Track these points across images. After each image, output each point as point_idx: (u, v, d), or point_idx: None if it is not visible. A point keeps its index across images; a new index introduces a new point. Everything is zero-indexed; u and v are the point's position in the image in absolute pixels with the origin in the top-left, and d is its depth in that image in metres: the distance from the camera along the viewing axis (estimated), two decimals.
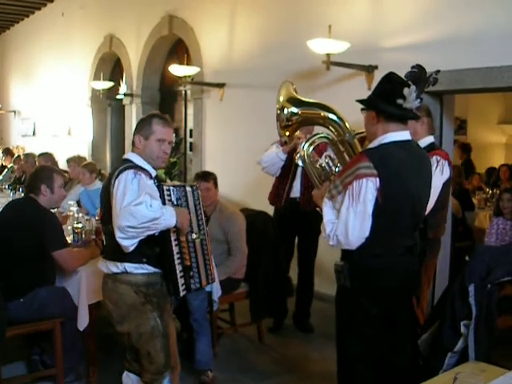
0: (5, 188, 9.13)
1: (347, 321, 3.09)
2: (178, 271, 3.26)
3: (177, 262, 3.26)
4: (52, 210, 4.58)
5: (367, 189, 2.81)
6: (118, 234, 3.03)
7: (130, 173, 3.10)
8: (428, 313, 4.07)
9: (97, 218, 5.65)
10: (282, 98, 3.56)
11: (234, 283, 5.01)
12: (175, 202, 3.31)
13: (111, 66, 11.65)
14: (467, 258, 3.52)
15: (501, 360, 2.93)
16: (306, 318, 5.74)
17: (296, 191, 5.42)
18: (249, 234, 5.01)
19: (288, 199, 5.45)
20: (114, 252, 3.21)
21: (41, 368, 4.43)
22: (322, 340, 5.34)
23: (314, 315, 5.81)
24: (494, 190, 8.51)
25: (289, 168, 5.40)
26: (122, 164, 3.25)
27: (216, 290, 4.58)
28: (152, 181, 3.21)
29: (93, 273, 4.24)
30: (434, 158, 3.89)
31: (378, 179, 2.81)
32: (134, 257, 3.17)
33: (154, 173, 3.31)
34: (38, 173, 4.51)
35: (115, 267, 3.23)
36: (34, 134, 14.97)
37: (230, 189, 7.16)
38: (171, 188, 3.33)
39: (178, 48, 9.59)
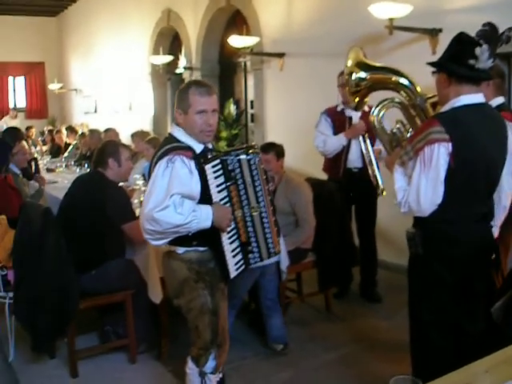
0: (71, 164, 9.33)
1: (421, 289, 3.03)
2: (228, 252, 3.09)
3: (230, 240, 3.09)
4: (119, 184, 4.65)
5: (439, 154, 2.74)
6: (144, 235, 2.95)
7: (163, 162, 2.91)
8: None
9: None
10: (350, 63, 3.46)
11: (302, 253, 5.00)
12: (226, 176, 3.04)
13: (170, 40, 11.68)
14: None
15: None
16: (372, 287, 5.70)
17: (352, 161, 5.41)
18: (315, 203, 4.98)
19: (346, 169, 5.44)
20: None
21: (113, 338, 4.52)
22: (389, 309, 5.29)
23: (380, 284, 5.77)
24: None
25: None
26: (166, 141, 3.10)
27: (284, 260, 4.57)
28: (190, 164, 2.95)
29: (160, 246, 4.30)
30: None
31: (450, 144, 2.73)
32: (183, 241, 3.04)
33: (199, 148, 3.07)
34: (104, 147, 4.56)
35: (167, 246, 3.16)
36: (95, 111, 15.22)
37: (293, 159, 7.12)
38: (221, 161, 3.03)
39: (236, 19, 9.53)
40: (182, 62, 10.98)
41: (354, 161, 5.39)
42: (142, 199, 5.18)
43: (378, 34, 5.99)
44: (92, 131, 9.60)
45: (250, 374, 4.14)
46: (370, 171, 4.24)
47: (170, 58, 10.64)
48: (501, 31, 2.91)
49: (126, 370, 4.25)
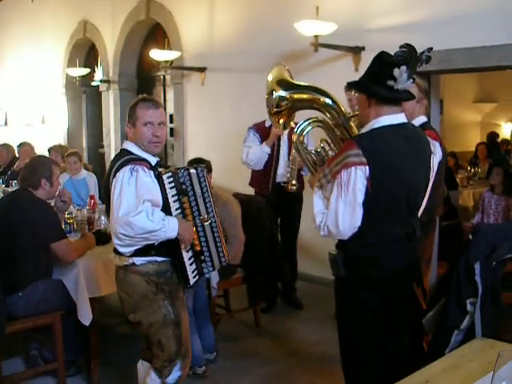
0: None
1: (347, 310, 3.04)
2: (186, 260, 3.21)
3: (186, 249, 3.22)
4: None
5: (356, 178, 2.71)
6: (114, 240, 3.04)
7: (126, 171, 3.02)
8: (431, 292, 4.11)
9: (88, 207, 5.60)
10: (270, 81, 3.37)
11: (231, 269, 5.00)
12: (178, 188, 3.20)
13: (85, 52, 11.46)
14: (471, 237, 3.55)
15: (504, 335, 2.98)
16: (292, 293, 5.90)
17: (280, 175, 5.51)
18: (244, 219, 4.98)
19: (274, 184, 5.51)
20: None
21: (40, 363, 4.36)
22: (317, 322, 5.38)
23: (305, 297, 5.87)
24: (476, 169, 8.63)
25: (272, 156, 5.50)
26: (120, 155, 3.18)
27: (214, 276, 4.57)
28: (151, 174, 3.10)
29: (90, 266, 4.22)
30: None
31: (367, 167, 2.70)
32: (141, 251, 3.11)
33: (153, 161, 3.21)
34: (37, 166, 4.32)
35: (124, 260, 3.17)
36: (5, 123, 14.71)
37: (215, 174, 7.12)
38: (173, 174, 3.21)
39: (156, 32, 9.47)
40: (99, 74, 10.78)
41: (281, 175, 5.49)
42: (67, 216, 5.05)
43: (303, 51, 6.10)
44: (3, 145, 9.24)
45: None
46: (288, 175, 4.33)
47: (86, 70, 10.45)
48: (422, 50, 2.95)
49: None
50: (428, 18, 5.22)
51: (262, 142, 5.49)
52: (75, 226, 5.08)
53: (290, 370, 4.45)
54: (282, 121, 3.45)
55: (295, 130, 3.34)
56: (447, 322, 3.32)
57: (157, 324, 3.20)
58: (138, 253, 3.11)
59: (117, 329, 5.37)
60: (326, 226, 2.83)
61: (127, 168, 3.03)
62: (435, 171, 3.92)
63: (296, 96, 3.36)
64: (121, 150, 3.29)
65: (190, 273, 3.24)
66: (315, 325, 5.33)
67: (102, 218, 5.20)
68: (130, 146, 3.22)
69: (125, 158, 3.11)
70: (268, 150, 5.43)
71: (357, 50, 5.77)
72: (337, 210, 2.77)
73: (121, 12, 9.62)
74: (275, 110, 3.37)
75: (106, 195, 3.25)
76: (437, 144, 3.95)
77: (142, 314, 3.19)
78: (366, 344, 3.02)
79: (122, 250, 3.07)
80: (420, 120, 4.02)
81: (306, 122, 3.33)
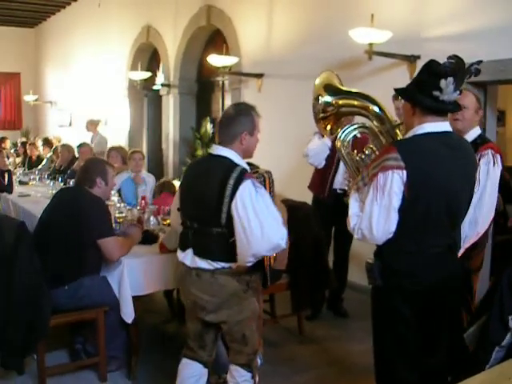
0: (44, 178, 9.23)
1: (382, 320, 3.01)
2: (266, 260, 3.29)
3: None
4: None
5: (393, 182, 2.70)
6: (248, 259, 3.06)
7: (249, 187, 3.02)
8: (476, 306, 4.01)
9: (138, 207, 5.70)
10: (317, 86, 3.38)
11: (276, 274, 4.98)
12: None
13: (148, 56, 11.69)
14: None
15: None
16: (339, 302, 5.86)
17: (337, 182, 5.45)
18: (290, 225, 4.96)
19: (331, 189, 5.47)
20: (210, 252, 3.19)
21: (83, 357, 4.48)
22: (361, 332, 5.29)
23: (353, 306, 5.82)
24: None
25: (332, 158, 5.40)
26: (218, 162, 3.15)
27: None
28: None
29: (135, 265, 4.28)
30: (489, 151, 3.70)
31: (405, 172, 2.68)
32: (232, 258, 3.15)
33: (248, 168, 3.21)
34: (92, 166, 4.51)
35: (213, 265, 3.20)
36: (70, 124, 15.12)
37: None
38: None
39: (216, 38, 9.58)
40: (160, 78, 10.98)
41: (340, 182, 5.44)
42: (117, 215, 5.16)
43: (357, 59, 6.07)
44: (65, 146, 9.54)
45: None
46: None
47: (148, 74, 10.66)
48: (476, 60, 2.90)
49: None
50: (485, 27, 5.11)
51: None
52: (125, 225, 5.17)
53: (329, 379, 4.42)
54: (328, 127, 3.45)
55: (339, 135, 3.33)
56: (488, 338, 3.25)
57: (245, 320, 3.26)
58: (228, 259, 3.16)
59: (160, 327, 5.46)
60: (359, 230, 2.83)
61: (249, 183, 3.03)
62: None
63: (342, 102, 3.35)
64: (217, 155, 3.21)
65: (268, 273, 3.36)
66: (360, 335, 5.26)
67: (152, 218, 5.28)
68: (230, 155, 3.17)
69: (239, 170, 3.08)
70: (329, 143, 5.30)
71: (412, 59, 5.70)
72: (371, 213, 2.76)
73: (182, 17, 9.78)
74: (321, 115, 3.38)
75: (202, 200, 3.18)
76: (498, 157, 3.84)
77: (229, 311, 3.23)
78: (399, 356, 2.97)
79: (249, 264, 3.13)
80: (476, 131, 3.93)
81: (351, 128, 3.33)
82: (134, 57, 11.62)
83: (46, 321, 3.94)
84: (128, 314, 4.16)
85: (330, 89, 3.36)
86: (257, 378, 3.39)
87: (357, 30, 5.58)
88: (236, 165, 3.12)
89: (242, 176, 3.04)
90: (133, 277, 4.23)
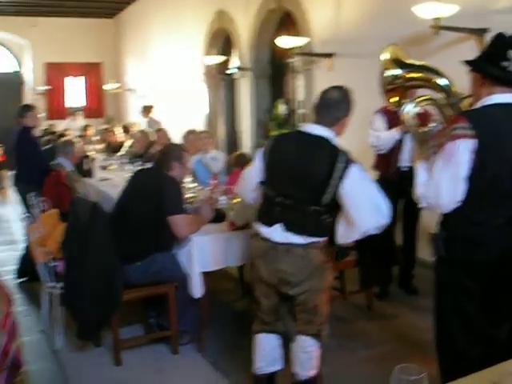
0: (124, 162, 9.57)
1: (444, 292, 3.02)
2: None
3: None
4: None
5: (461, 150, 2.71)
6: (355, 237, 3.35)
7: (357, 170, 3.19)
8: None
9: (209, 187, 5.86)
10: (385, 60, 3.44)
11: (344, 251, 5.05)
12: None
13: (222, 41, 11.84)
14: None
15: None
16: (410, 279, 5.84)
17: (404, 160, 5.42)
18: None
19: (397, 168, 5.47)
20: (305, 228, 3.30)
21: (156, 330, 4.68)
22: (430, 309, 5.27)
23: (422, 283, 5.78)
24: None
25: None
26: (320, 143, 3.28)
27: None
28: None
29: (203, 242, 4.42)
30: None
31: (474, 141, 2.70)
32: (326, 232, 3.35)
33: None
34: (169, 151, 4.69)
35: (306, 239, 3.32)
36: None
37: None
38: None
39: (287, 20, 9.60)
40: (234, 62, 11.11)
41: (405, 160, 5.41)
42: (189, 195, 5.33)
43: (424, 34, 5.98)
44: (141, 131, 9.84)
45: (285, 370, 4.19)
46: None
47: (222, 58, 10.82)
48: None
49: (168, 360, 4.39)
50: None
51: (389, 126, 5.44)
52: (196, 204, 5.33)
53: (396, 355, 4.42)
54: (395, 99, 3.50)
55: (403, 108, 3.33)
56: None
57: (319, 291, 3.40)
58: (323, 234, 3.35)
59: (231, 304, 5.63)
60: (426, 198, 2.86)
61: (357, 166, 3.20)
62: None
63: (409, 75, 3.40)
64: (317, 136, 3.31)
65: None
66: (429, 312, 5.22)
67: (222, 197, 5.42)
68: (329, 135, 3.30)
69: (345, 153, 3.23)
70: (398, 135, 5.36)
71: (480, 33, 5.55)
72: (439, 181, 2.78)
73: (253, 1, 9.85)
74: (389, 87, 3.45)
75: (304, 180, 3.29)
76: None
77: (311, 282, 3.36)
78: (462, 328, 2.98)
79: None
80: None
81: (417, 100, 3.33)
82: (209, 42, 11.79)
83: (119, 295, 4.15)
84: (197, 289, 4.33)
85: (397, 62, 3.43)
86: (321, 349, 3.51)
87: (421, 6, 5.51)
88: (338, 148, 3.25)
89: (349, 160, 3.19)
90: (201, 253, 4.39)
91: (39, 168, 6.26)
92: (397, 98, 3.50)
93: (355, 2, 7.51)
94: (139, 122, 13.95)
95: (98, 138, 13.82)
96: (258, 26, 9.96)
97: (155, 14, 14.48)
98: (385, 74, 3.44)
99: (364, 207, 3.16)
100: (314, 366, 3.46)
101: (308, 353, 3.44)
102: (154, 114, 13.21)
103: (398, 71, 3.39)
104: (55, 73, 17.99)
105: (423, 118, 3.54)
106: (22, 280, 6.35)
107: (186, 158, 4.71)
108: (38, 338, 4.88)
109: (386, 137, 5.42)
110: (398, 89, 3.44)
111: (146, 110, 13.12)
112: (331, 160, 3.18)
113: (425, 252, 5.90)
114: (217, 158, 7.22)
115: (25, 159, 6.65)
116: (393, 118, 5.42)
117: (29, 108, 7.01)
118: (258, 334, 3.62)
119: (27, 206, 5.72)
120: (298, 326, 3.50)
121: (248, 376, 3.83)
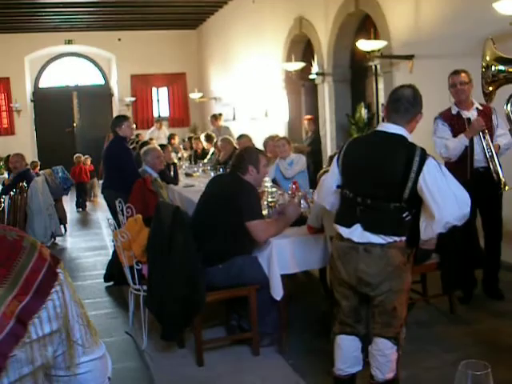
0: (207, 169, 9.80)
1: None
2: None
3: None
4: None
5: None
6: (439, 230, 3.29)
7: (434, 163, 3.25)
8: None
9: (289, 192, 5.92)
10: (487, 57, 3.53)
11: (425, 254, 4.99)
12: None
13: (302, 47, 11.90)
14: None
15: None
16: (495, 283, 5.66)
17: (478, 161, 5.30)
18: None
19: (473, 169, 5.34)
20: (384, 226, 3.34)
21: (238, 332, 4.77)
22: None
23: (505, 286, 5.65)
24: None
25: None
26: (395, 140, 3.35)
27: None
28: None
29: (283, 245, 4.49)
30: None
31: None
32: (405, 231, 3.38)
33: None
34: (245, 154, 4.77)
35: (385, 239, 3.34)
36: (234, 118, 15.73)
37: None
38: None
39: (366, 23, 9.59)
40: (315, 68, 11.15)
41: (480, 161, 5.29)
42: (269, 200, 5.40)
43: (506, 32, 5.83)
44: (225, 139, 10.03)
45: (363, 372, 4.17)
46: (491, 166, 4.24)
47: (301, 64, 10.88)
48: None
49: (249, 361, 4.47)
50: None
51: (452, 131, 5.35)
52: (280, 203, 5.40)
53: (477, 359, 4.31)
54: (492, 88, 3.56)
55: (507, 101, 3.43)
56: None
57: (399, 292, 3.41)
58: (402, 233, 3.38)
59: (312, 306, 5.65)
60: None
61: (432, 160, 3.25)
62: None
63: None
64: (392, 134, 3.38)
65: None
66: None
67: (302, 202, 5.47)
68: (404, 133, 3.37)
69: (418, 147, 3.29)
70: (467, 142, 5.26)
71: None
72: None
73: (332, 6, 9.88)
74: (491, 79, 3.52)
75: (381, 176, 3.36)
76: None
77: (391, 283, 3.38)
78: None
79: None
80: None
81: None
82: (289, 48, 11.87)
83: (202, 297, 4.26)
84: (277, 291, 4.39)
85: (500, 59, 3.53)
86: (400, 351, 3.49)
87: (505, 1, 5.40)
88: (414, 144, 3.32)
89: (425, 154, 3.25)
90: (281, 256, 4.45)
91: (130, 176, 6.48)
92: (492, 88, 3.57)
93: (434, 3, 7.42)
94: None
95: (182, 146, 14.17)
96: (337, 31, 9.97)
97: (236, 23, 14.71)
98: (490, 70, 3.52)
99: (443, 197, 3.16)
100: (392, 368, 3.45)
101: (386, 355, 3.44)
102: (223, 122, 13.45)
103: (503, 67, 3.50)
104: (141, 84, 18.56)
105: None
106: (109, 284, 6.61)
107: (263, 162, 4.75)
108: (124, 338, 5.09)
109: (456, 145, 5.30)
110: (499, 81, 3.51)
111: (215, 118, 13.35)
112: (408, 156, 3.24)
113: (509, 255, 5.78)
114: (296, 162, 7.29)
115: (118, 168, 6.89)
116: (455, 123, 5.35)
117: (124, 118, 7.29)
118: (339, 336, 3.64)
119: (115, 212, 5.95)
120: (376, 329, 3.50)
121: (327, 377, 3.85)
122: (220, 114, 13.75)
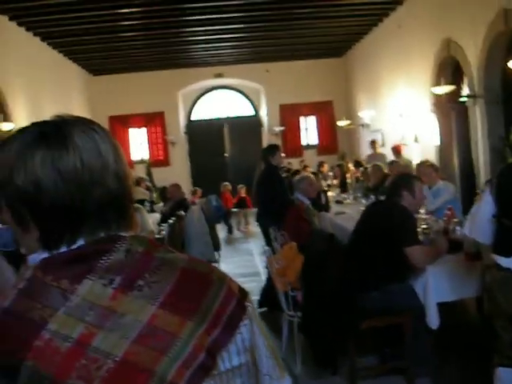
0: (358, 197, 9.84)
1: None
2: None
3: None
4: None
5: None
6: None
7: None
8: None
9: (444, 218, 5.82)
10: None
11: None
12: None
13: (450, 69, 11.65)
14: None
15: None
16: None
17: None
18: None
19: None
20: None
21: (391, 360, 4.71)
22: None
23: None
24: None
25: None
26: None
27: None
28: None
29: (438, 272, 4.44)
30: None
31: None
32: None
33: None
34: (398, 180, 4.87)
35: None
36: (383, 144, 15.60)
37: None
38: None
39: None
40: (465, 90, 10.89)
41: None
42: (423, 226, 5.35)
43: None
44: (376, 165, 10.03)
45: None
46: None
47: (451, 87, 10.66)
48: None
49: None
50: None
51: None
52: (431, 236, 5.33)
53: None
54: None
55: None
56: None
57: (502, 315, 3.38)
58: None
59: (468, 337, 5.41)
60: None
61: None
62: None
63: None
64: None
65: None
66: None
67: (457, 228, 5.36)
68: None
69: None
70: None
71: None
72: None
73: (480, 25, 9.61)
74: None
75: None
76: None
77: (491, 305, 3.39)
78: None
79: None
80: None
81: None
82: (437, 71, 11.67)
83: (356, 323, 4.29)
84: (433, 320, 4.32)
85: None
86: None
87: None
88: None
89: None
90: (437, 284, 4.39)
91: (283, 204, 6.66)
92: None
93: None
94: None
95: (332, 173, 14.28)
96: (486, 51, 9.68)
97: (382, 48, 14.69)
98: None
99: None
100: None
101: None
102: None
103: None
104: (289, 113, 18.92)
105: None
106: (263, 309, 6.77)
107: (417, 187, 4.75)
108: None
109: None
110: None
111: (374, 144, 13.45)
112: None
113: None
114: (444, 190, 7.17)
115: (270, 196, 7.13)
116: None
117: (277, 148, 7.57)
118: (499, 368, 3.54)
119: (269, 239, 6.13)
120: None
121: None
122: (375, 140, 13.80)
